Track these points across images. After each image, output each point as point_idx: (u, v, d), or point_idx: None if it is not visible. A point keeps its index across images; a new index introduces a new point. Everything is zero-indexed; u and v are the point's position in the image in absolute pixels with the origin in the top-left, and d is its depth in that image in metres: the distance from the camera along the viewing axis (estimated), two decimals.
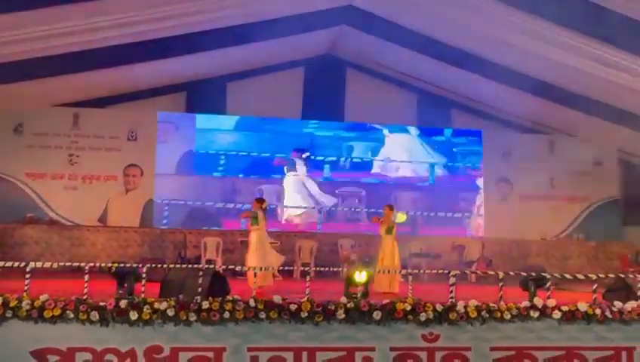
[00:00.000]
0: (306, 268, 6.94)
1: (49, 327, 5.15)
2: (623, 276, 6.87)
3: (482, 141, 13.91)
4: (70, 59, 9.69)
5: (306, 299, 5.52)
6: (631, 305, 5.81)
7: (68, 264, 6.53)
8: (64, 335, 5.15)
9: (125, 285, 5.88)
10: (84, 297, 5.38)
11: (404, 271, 8.18)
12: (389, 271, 8.11)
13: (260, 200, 8.62)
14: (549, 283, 6.10)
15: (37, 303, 5.20)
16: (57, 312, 5.16)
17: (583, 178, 13.89)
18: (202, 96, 12.81)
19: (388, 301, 5.61)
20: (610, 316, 5.71)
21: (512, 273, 6.52)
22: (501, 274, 6.10)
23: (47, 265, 6.12)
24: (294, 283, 8.58)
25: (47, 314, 5.16)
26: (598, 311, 5.71)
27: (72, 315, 5.17)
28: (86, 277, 5.66)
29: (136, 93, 12.58)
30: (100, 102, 12.55)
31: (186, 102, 13.10)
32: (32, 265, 5.73)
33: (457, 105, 13.63)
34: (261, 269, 7.11)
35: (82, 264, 6.13)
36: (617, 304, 5.81)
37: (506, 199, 13.85)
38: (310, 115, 13.29)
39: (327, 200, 13.36)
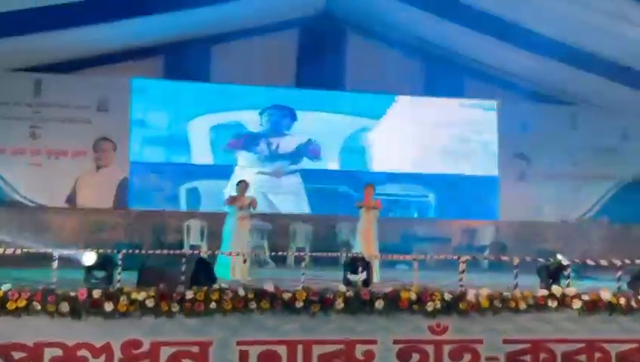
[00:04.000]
0: (301, 254, 6.98)
1: (13, 321, 5.13)
2: None
3: (497, 113, 13.89)
4: (31, 16, 9.53)
5: (301, 287, 5.57)
6: None
7: (33, 250, 6.50)
8: (30, 329, 5.15)
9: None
10: (53, 287, 5.39)
11: (406, 257, 8.25)
12: None
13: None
14: (568, 271, 6.16)
15: None
16: (22, 304, 5.14)
17: (608, 154, 13.94)
18: (182, 60, 12.64)
19: (391, 289, 5.66)
20: (635, 306, 5.78)
21: (528, 259, 6.58)
22: (516, 260, 6.16)
23: (9, 251, 6.11)
24: (288, 271, 8.64)
25: (10, 305, 5.13)
26: (622, 301, 5.77)
27: (39, 307, 5.15)
28: (54, 264, 5.66)
29: (107, 56, 12.39)
30: (65, 66, 12.34)
31: (163, 68, 12.96)
32: None
33: (470, 72, 13.55)
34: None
35: (49, 250, 6.13)
36: None
37: (523, 177, 13.90)
38: (305, 83, 13.13)
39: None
